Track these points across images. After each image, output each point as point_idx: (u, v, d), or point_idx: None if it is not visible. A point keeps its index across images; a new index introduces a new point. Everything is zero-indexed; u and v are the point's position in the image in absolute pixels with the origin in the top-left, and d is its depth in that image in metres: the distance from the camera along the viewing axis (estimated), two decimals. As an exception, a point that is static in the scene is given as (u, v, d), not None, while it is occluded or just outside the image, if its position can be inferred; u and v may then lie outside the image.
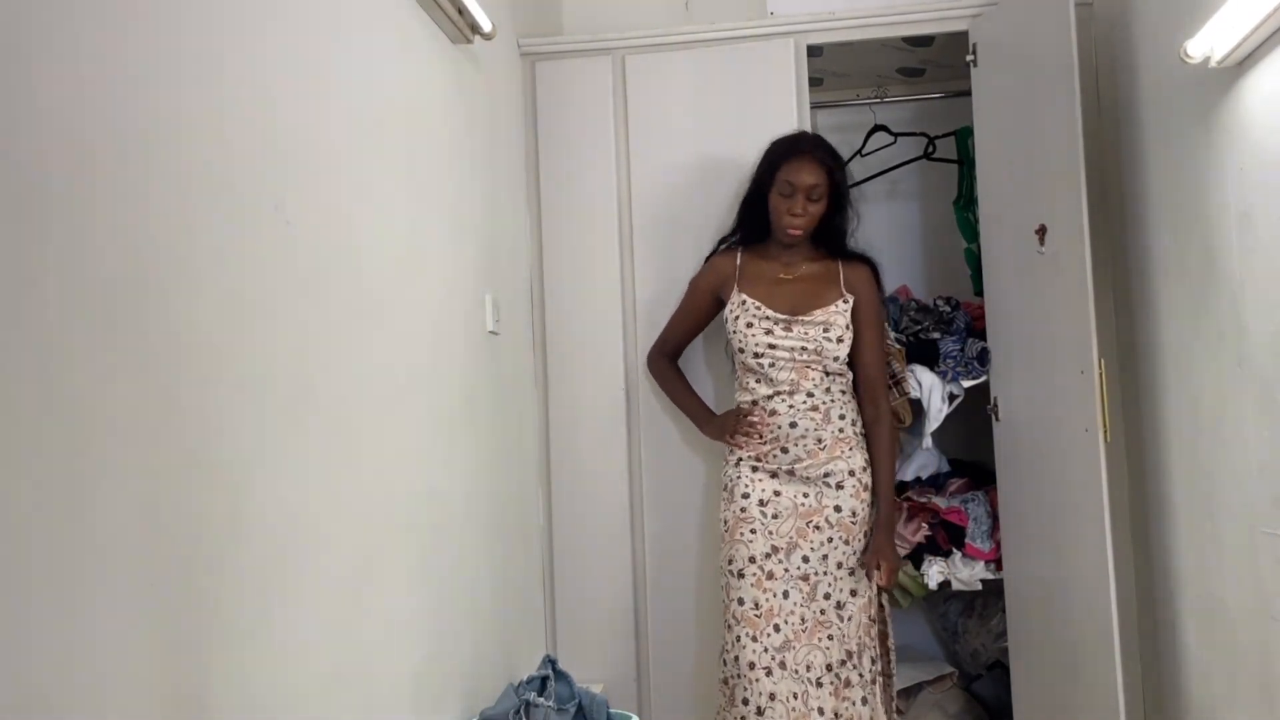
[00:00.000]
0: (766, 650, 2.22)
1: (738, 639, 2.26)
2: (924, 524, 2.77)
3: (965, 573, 2.74)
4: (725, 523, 2.37)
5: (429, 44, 2.14)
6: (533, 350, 2.83)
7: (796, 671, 2.22)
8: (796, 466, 2.31)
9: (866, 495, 2.34)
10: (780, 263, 2.42)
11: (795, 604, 2.27)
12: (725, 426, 2.44)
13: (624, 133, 2.81)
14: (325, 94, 1.63)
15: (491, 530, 2.37)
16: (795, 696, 2.20)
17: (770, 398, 2.33)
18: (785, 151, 2.38)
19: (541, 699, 2.08)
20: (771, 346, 2.31)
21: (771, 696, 2.19)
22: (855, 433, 2.37)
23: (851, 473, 2.32)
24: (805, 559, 2.28)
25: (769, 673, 2.21)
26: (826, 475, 2.30)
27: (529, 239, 2.83)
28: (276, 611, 1.38)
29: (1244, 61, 1.79)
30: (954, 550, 2.75)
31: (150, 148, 1.17)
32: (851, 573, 2.32)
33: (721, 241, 2.53)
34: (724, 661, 2.33)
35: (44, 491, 0.97)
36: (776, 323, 2.35)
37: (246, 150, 1.37)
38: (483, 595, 2.28)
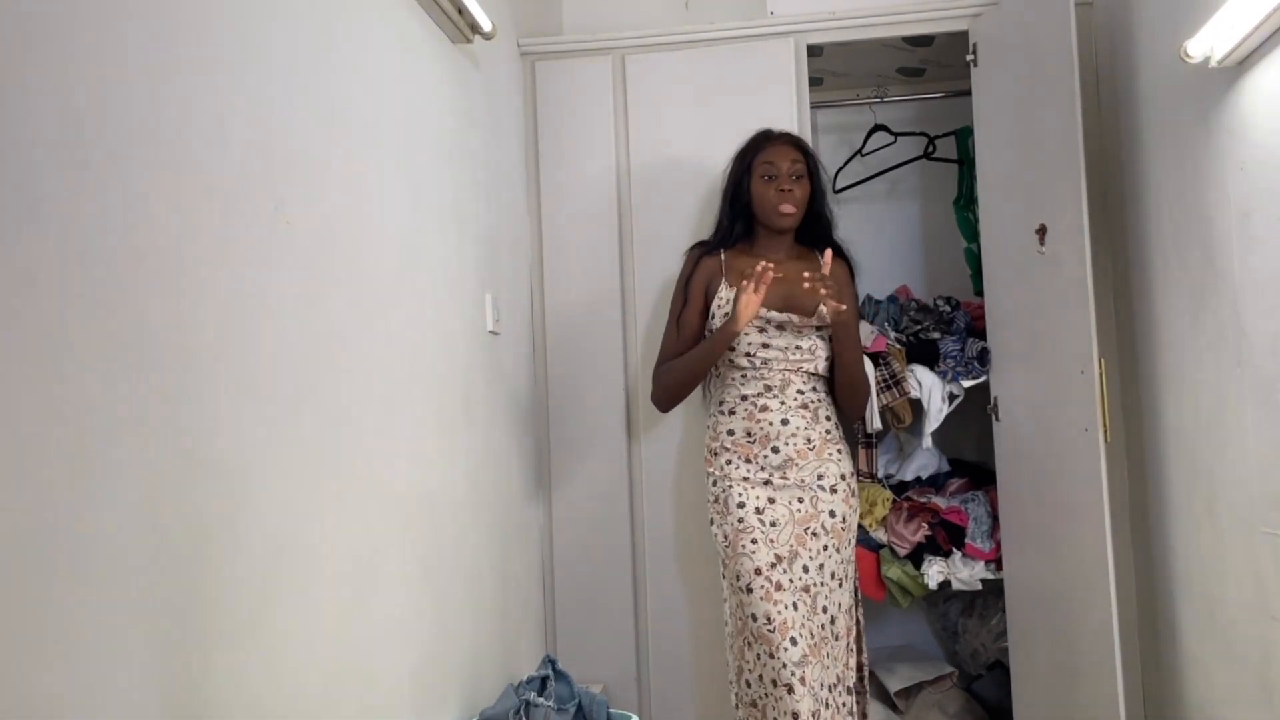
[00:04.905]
0: (785, 666, 2.14)
1: (758, 657, 2.19)
2: (924, 524, 2.77)
3: (965, 573, 2.74)
4: (725, 537, 2.28)
5: (429, 43, 2.14)
6: (533, 350, 2.83)
7: (813, 689, 2.14)
8: (789, 470, 2.27)
9: (855, 502, 2.34)
10: (768, 260, 2.39)
11: (803, 617, 2.20)
12: (737, 309, 2.23)
13: (624, 132, 2.81)
14: (325, 94, 1.63)
15: (491, 530, 2.36)
16: (814, 717, 2.13)
17: (759, 395, 2.31)
18: (759, 141, 2.41)
19: (541, 699, 2.08)
20: (765, 346, 2.30)
21: (795, 716, 2.11)
22: (840, 435, 2.37)
23: (843, 476, 2.31)
24: (805, 569, 2.23)
25: (790, 690, 2.12)
26: (820, 478, 2.28)
27: (529, 239, 2.83)
28: (276, 611, 1.38)
29: (1244, 61, 1.79)
30: (954, 550, 2.75)
31: (150, 148, 1.17)
32: (840, 585, 2.29)
33: (700, 244, 2.46)
34: (746, 683, 2.25)
35: (44, 492, 0.97)
36: (769, 322, 2.34)
37: (246, 150, 1.37)
38: (483, 595, 2.28)
